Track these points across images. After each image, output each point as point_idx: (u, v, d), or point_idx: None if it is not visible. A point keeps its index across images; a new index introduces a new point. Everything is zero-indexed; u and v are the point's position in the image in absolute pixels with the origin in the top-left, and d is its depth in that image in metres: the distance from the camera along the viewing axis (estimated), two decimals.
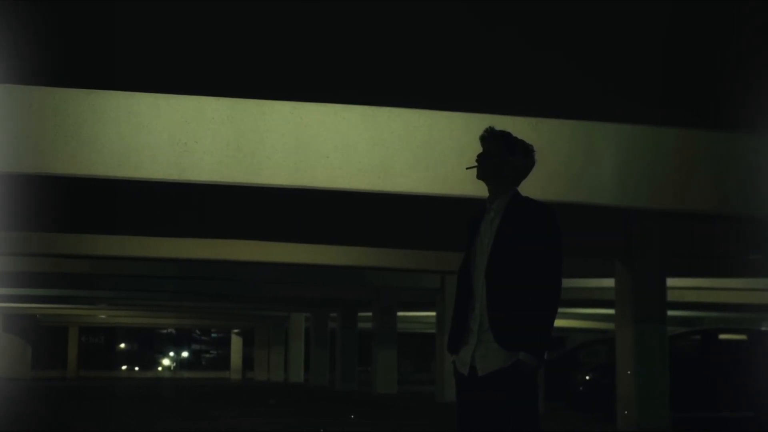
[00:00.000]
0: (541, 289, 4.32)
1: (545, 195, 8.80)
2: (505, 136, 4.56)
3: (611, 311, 16.22)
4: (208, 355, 73.15)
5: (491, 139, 4.55)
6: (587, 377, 17.04)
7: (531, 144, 4.60)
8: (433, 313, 25.44)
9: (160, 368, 68.60)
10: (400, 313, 28.52)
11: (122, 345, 71.04)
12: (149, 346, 72.19)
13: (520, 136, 4.61)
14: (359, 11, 6.85)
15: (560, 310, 4.48)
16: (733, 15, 6.79)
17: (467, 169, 4.69)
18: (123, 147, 8.54)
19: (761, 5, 6.52)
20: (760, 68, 7.70)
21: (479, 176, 4.56)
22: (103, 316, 44.15)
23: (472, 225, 4.56)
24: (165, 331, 69.18)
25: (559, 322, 6.43)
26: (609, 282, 15.50)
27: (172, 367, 70.03)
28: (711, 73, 8.15)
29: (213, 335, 70.13)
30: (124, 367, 65.46)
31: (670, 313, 15.12)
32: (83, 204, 13.29)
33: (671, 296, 15.39)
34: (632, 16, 6.93)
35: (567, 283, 4.88)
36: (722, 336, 17.76)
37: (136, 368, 65.64)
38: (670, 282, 15.19)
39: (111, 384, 35.58)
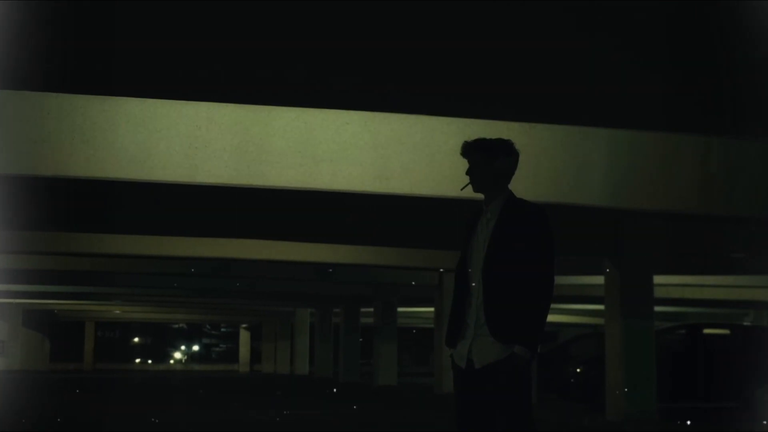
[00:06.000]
0: (535, 285, 4.33)
1: (538, 196, 8.81)
2: (481, 145, 4.51)
3: (601, 307, 16.22)
4: (217, 349, 73.10)
5: (471, 152, 4.51)
6: (578, 370, 17.04)
7: (508, 140, 4.56)
8: (432, 309, 25.44)
9: (172, 361, 68.58)
10: (400, 309, 28.51)
11: (136, 339, 71.04)
12: (162, 340, 72.17)
13: (513, 141, 4.58)
14: (361, 21, 6.85)
15: (552, 305, 4.48)
16: (722, 20, 6.79)
17: (462, 189, 4.68)
18: (137, 151, 8.55)
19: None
20: (749, 72, 7.69)
21: (475, 190, 4.55)
22: (117, 312, 44.18)
23: (470, 225, 4.57)
24: (177, 325, 69.14)
25: (551, 317, 6.42)
26: (599, 279, 15.50)
27: (183, 360, 70.01)
28: (699, 77, 8.14)
29: (222, 330, 70.09)
30: (137, 360, 65.46)
31: (656, 308, 15.11)
32: (99, 204, 13.30)
33: (658, 293, 15.38)
34: (626, 22, 6.93)
35: (559, 280, 4.86)
36: (706, 330, 17.73)
37: (149, 361, 65.64)
38: (657, 279, 15.18)
39: (125, 376, 35.60)
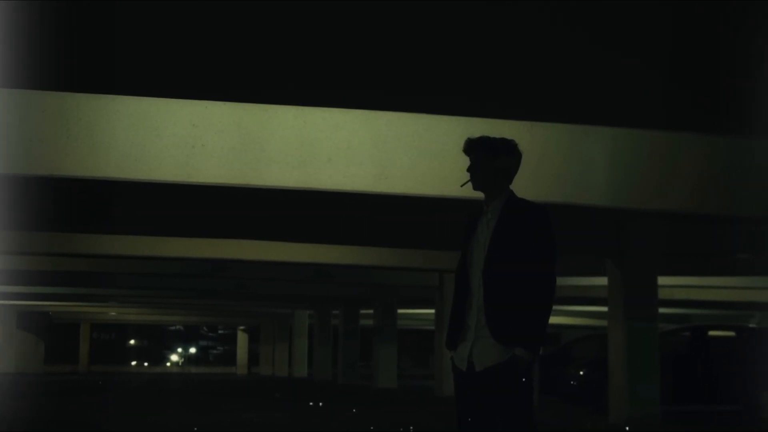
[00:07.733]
0: (536, 286, 4.33)
1: (539, 196, 8.80)
2: (484, 143, 4.51)
3: (604, 308, 16.22)
4: (215, 351, 73.16)
5: (473, 150, 4.52)
6: (580, 372, 17.04)
7: (511, 139, 4.57)
8: (432, 311, 25.45)
9: (168, 363, 68.62)
10: (400, 311, 28.51)
11: (132, 341, 71.09)
12: (158, 342, 72.21)
13: (516, 140, 4.59)
14: (360, 20, 6.86)
15: (554, 307, 4.48)
16: (729, 20, 6.79)
17: (462, 186, 4.68)
18: (133, 150, 8.55)
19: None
20: (753, 71, 7.71)
21: (475, 188, 4.55)
22: (113, 314, 44.17)
23: (470, 225, 4.57)
24: (173, 327, 69.20)
25: (553, 319, 6.44)
26: (602, 280, 15.50)
27: (180, 363, 70.04)
28: (702, 77, 8.15)
29: (220, 332, 70.15)
30: (133, 363, 65.48)
31: (660, 310, 15.10)
32: (95, 204, 13.30)
33: (662, 294, 15.39)
34: (628, 21, 6.94)
35: (561, 281, 4.88)
36: (711, 332, 17.74)
37: (146, 363, 65.68)
38: (661, 280, 15.18)
39: (121, 378, 35.58)
